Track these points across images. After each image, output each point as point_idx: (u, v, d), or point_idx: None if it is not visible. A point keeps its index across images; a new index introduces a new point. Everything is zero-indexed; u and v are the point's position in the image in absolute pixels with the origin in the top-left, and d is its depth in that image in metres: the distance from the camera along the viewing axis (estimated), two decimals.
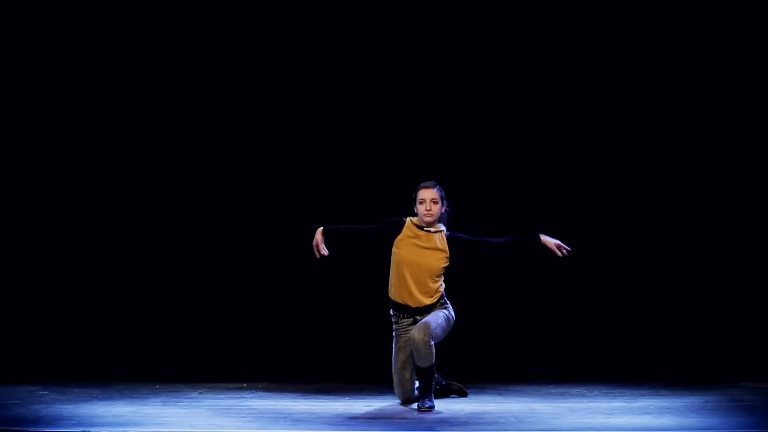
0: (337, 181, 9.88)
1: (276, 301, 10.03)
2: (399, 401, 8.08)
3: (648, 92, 9.96)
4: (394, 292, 8.03)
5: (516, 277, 9.98)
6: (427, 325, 7.81)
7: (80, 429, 6.92)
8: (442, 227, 8.07)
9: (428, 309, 7.98)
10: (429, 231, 8.00)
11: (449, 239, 8.03)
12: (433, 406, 7.88)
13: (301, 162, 10.05)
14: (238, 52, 10.04)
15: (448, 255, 8.02)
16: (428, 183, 8.05)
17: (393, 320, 8.07)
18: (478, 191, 9.96)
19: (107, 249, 10.04)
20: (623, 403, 8.14)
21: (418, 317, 7.96)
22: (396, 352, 8.02)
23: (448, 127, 9.98)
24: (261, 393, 8.81)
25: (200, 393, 8.74)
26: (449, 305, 8.08)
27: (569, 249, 8.10)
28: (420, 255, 7.96)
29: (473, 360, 9.81)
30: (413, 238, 7.97)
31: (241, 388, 9.03)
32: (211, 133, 10.06)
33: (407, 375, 7.98)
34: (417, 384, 8.04)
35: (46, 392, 8.60)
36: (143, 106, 10.05)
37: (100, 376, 9.44)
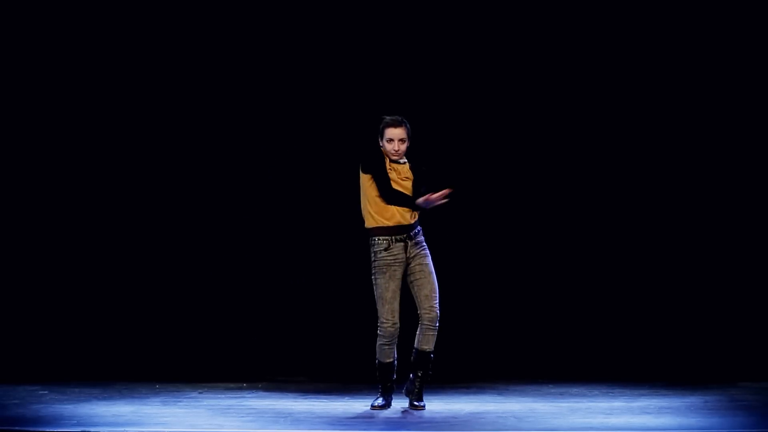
0: (335, 183, 9.86)
1: (276, 301, 10.03)
2: (385, 334, 7.82)
3: (647, 91, 9.96)
4: (382, 218, 7.85)
5: (516, 276, 9.98)
6: (437, 300, 7.83)
7: (80, 429, 6.92)
8: (405, 160, 7.95)
9: (417, 226, 7.90)
10: (399, 162, 7.93)
11: (413, 169, 7.94)
12: (425, 406, 7.90)
13: (300, 162, 10.05)
14: (236, 51, 10.04)
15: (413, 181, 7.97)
16: (396, 120, 7.88)
17: (380, 249, 7.85)
18: (479, 189, 9.97)
19: (107, 248, 10.04)
20: (623, 403, 8.14)
21: (409, 241, 7.86)
22: (386, 283, 7.83)
23: (447, 128, 9.99)
24: (261, 393, 8.81)
25: (200, 393, 8.74)
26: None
27: (446, 193, 7.89)
28: (398, 185, 7.86)
29: (473, 360, 9.81)
30: (390, 171, 7.88)
31: (241, 388, 9.03)
32: (211, 132, 10.06)
33: (397, 305, 7.84)
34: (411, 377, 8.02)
35: (46, 392, 8.60)
36: (143, 106, 10.05)
37: (100, 376, 9.44)
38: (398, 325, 7.86)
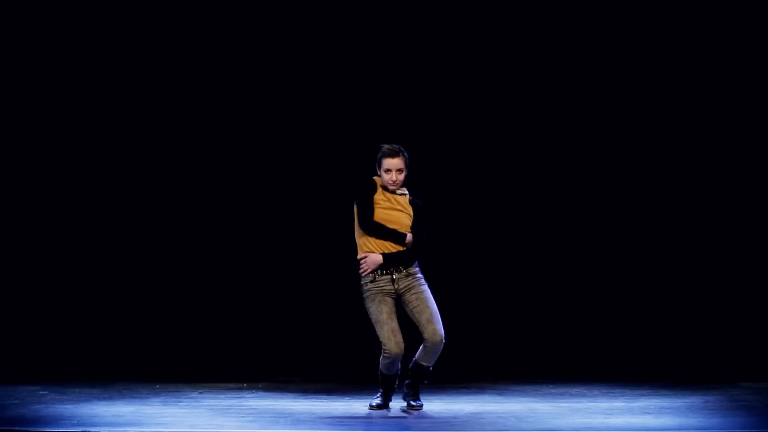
0: (335, 185, 9.86)
1: (276, 301, 10.03)
2: (391, 354, 7.70)
3: (647, 92, 9.97)
4: (371, 249, 7.79)
5: (516, 277, 9.99)
6: (439, 323, 7.76)
7: (80, 429, 6.92)
8: (405, 191, 7.87)
9: (406, 259, 7.82)
10: (396, 193, 7.85)
11: (411, 204, 7.85)
12: (422, 405, 7.90)
13: (300, 162, 10.06)
14: (236, 51, 10.05)
15: (412, 216, 7.87)
16: (394, 150, 7.79)
17: (366, 281, 7.79)
18: (478, 189, 9.98)
19: (107, 249, 10.05)
20: (623, 403, 8.14)
21: (396, 274, 7.79)
22: (378, 307, 7.75)
23: (447, 129, 10.00)
24: (261, 393, 8.80)
25: (200, 393, 8.73)
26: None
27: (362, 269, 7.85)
28: (392, 215, 7.78)
29: (473, 360, 9.82)
30: (385, 200, 7.80)
31: (241, 388, 9.03)
32: (211, 133, 10.07)
33: (395, 325, 7.73)
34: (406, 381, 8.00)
35: (46, 392, 8.60)
36: (143, 107, 10.06)
37: (100, 376, 9.44)
38: (402, 344, 7.74)
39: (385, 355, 7.77)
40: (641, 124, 9.98)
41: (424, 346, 7.79)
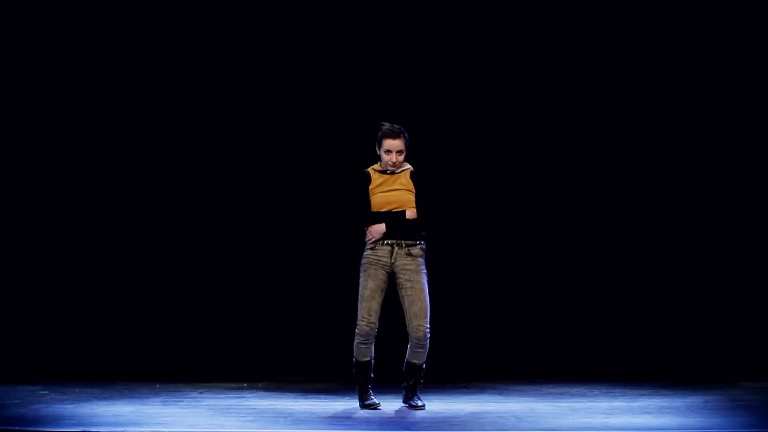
0: (336, 182, 9.85)
1: (276, 300, 10.03)
2: (360, 332, 7.77)
3: (647, 92, 9.97)
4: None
5: (516, 276, 9.99)
6: (426, 319, 7.76)
7: (80, 429, 6.92)
8: (408, 165, 7.88)
9: (416, 239, 7.84)
10: (394, 172, 7.85)
11: (413, 177, 7.85)
12: (424, 405, 7.89)
13: (300, 161, 10.06)
14: (235, 51, 10.04)
15: (413, 191, 7.85)
16: (395, 130, 7.80)
17: (367, 246, 7.82)
18: (479, 189, 9.98)
19: (107, 249, 10.04)
20: (623, 403, 8.15)
21: (397, 248, 7.79)
22: (365, 281, 7.80)
23: (446, 129, 9.99)
24: (261, 393, 8.81)
25: (200, 393, 8.74)
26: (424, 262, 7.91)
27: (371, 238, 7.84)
28: (390, 196, 7.79)
29: (473, 360, 9.82)
30: (381, 185, 7.82)
31: (241, 388, 9.03)
32: (210, 133, 10.07)
33: (375, 305, 7.78)
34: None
35: (46, 392, 8.60)
36: (143, 107, 10.06)
37: (100, 375, 9.45)
38: (375, 324, 7.79)
39: (356, 331, 7.84)
40: (641, 124, 9.98)
41: (410, 341, 7.83)
